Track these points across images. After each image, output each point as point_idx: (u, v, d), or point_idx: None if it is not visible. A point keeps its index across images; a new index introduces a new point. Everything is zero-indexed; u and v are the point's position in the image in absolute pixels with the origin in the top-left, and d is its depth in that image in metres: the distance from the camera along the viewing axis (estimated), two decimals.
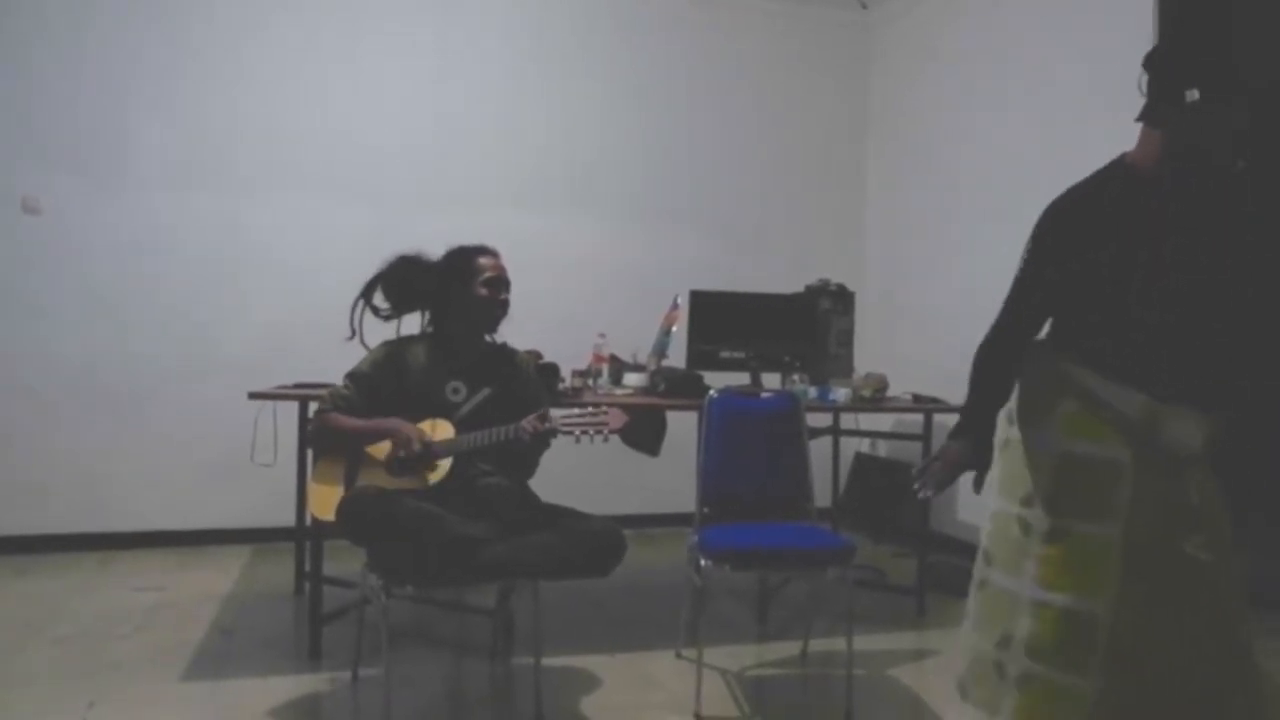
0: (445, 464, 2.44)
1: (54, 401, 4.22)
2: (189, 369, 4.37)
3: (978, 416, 1.84)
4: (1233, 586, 1.64)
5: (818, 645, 3.12)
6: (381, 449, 2.48)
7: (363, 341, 2.69)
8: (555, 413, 2.44)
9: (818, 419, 3.87)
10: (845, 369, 3.87)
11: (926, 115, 5.05)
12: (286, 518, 3.63)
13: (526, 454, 2.58)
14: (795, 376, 3.71)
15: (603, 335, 3.67)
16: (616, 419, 2.37)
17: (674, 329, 3.58)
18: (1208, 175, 1.66)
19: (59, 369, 4.23)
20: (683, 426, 3.49)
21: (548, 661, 2.71)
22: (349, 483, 2.47)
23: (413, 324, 2.78)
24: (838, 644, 3.06)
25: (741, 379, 3.60)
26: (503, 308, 2.66)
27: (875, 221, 5.52)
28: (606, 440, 2.40)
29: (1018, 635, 1.67)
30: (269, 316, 4.46)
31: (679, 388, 3.37)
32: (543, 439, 2.43)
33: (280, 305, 4.48)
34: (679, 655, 3.00)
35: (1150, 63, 1.66)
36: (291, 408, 3.28)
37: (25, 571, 3.84)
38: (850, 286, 4.06)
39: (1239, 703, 1.61)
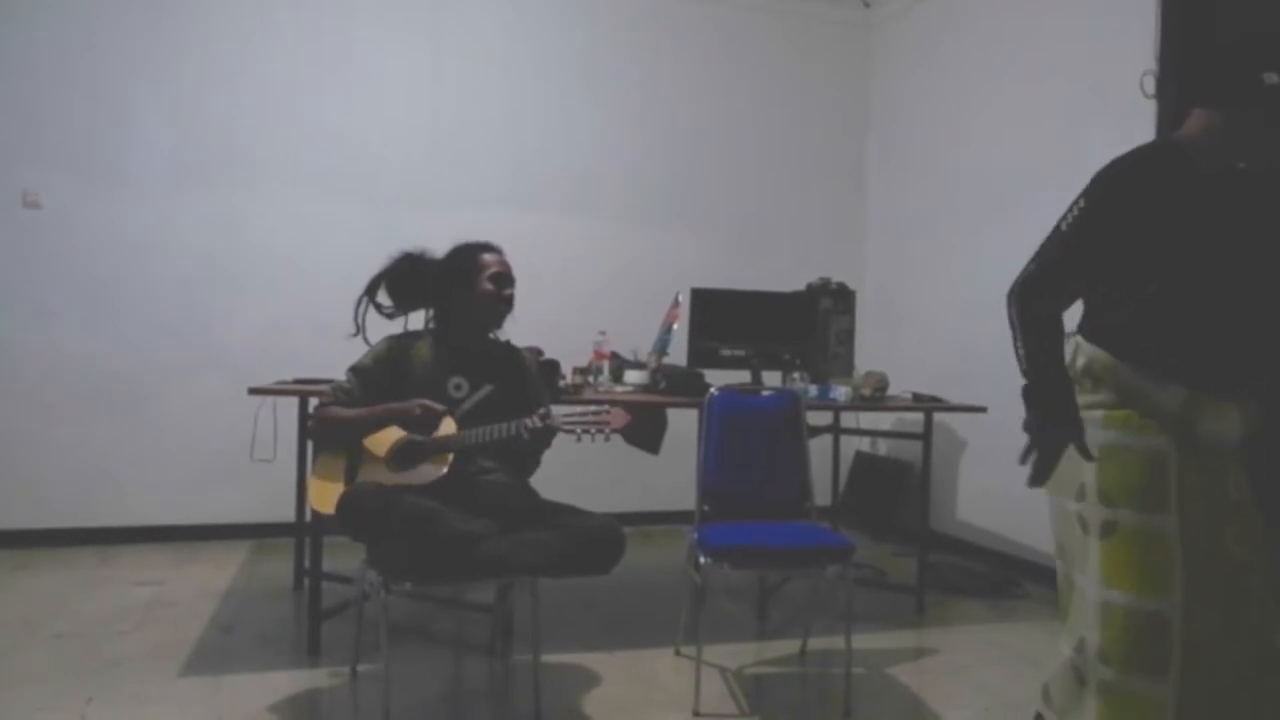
0: (446, 460, 2.44)
1: (53, 398, 4.22)
2: (188, 365, 4.37)
3: (1044, 375, 1.64)
4: (1266, 583, 1.60)
5: (817, 644, 3.11)
6: (382, 444, 2.48)
7: (365, 338, 2.69)
8: (557, 410, 2.44)
9: (818, 417, 3.87)
10: (846, 367, 3.87)
11: (927, 114, 5.04)
12: (286, 514, 3.63)
13: (528, 451, 2.58)
14: (796, 375, 3.71)
15: (603, 333, 3.67)
16: (618, 418, 2.36)
17: (675, 327, 3.58)
18: (1272, 167, 1.60)
19: (58, 365, 4.23)
20: (683, 424, 3.49)
21: (547, 659, 2.71)
22: (349, 478, 2.46)
23: (416, 322, 2.78)
24: (837, 642, 3.06)
25: (742, 377, 3.60)
26: (507, 304, 2.66)
27: (875, 220, 5.52)
28: (608, 439, 2.39)
29: (1090, 640, 1.62)
30: (268, 313, 4.46)
31: (679, 386, 3.37)
32: (544, 437, 2.43)
33: (279, 302, 4.48)
34: (678, 653, 3.00)
35: (1225, 46, 1.61)
36: (291, 404, 3.29)
37: (24, 567, 3.84)
38: (850, 285, 4.06)
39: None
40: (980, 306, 3.51)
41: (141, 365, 4.33)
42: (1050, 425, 1.61)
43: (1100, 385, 1.65)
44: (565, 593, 3.45)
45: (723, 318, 3.69)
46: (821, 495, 3.41)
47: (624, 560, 2.33)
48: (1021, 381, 1.66)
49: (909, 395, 3.81)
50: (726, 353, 3.63)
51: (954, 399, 3.70)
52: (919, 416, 3.68)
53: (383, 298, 2.71)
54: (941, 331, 4.67)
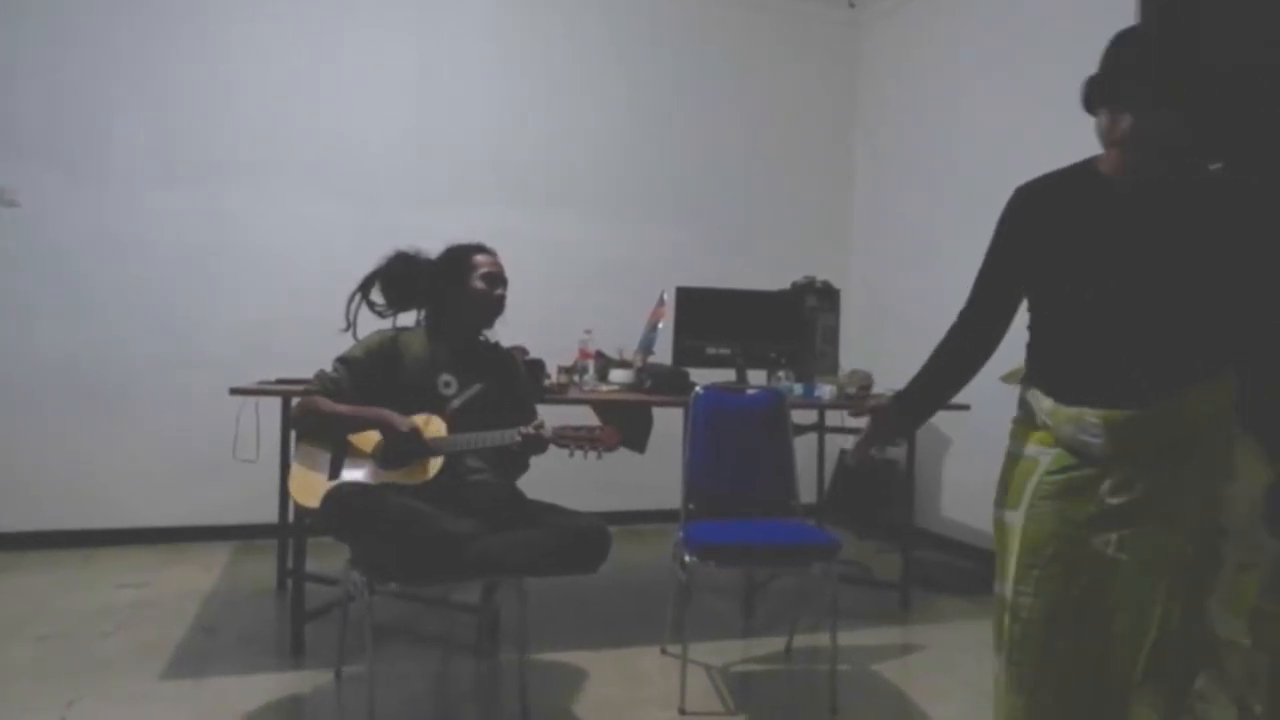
0: (437, 462, 2.44)
1: (35, 397, 4.18)
2: (171, 365, 4.33)
3: (916, 388, 1.91)
4: (1162, 594, 1.57)
5: (802, 640, 3.13)
6: (369, 439, 2.47)
7: (355, 335, 2.68)
8: (543, 411, 2.44)
9: (803, 416, 3.89)
10: (831, 366, 3.89)
11: (914, 114, 5.06)
12: (269, 514, 3.61)
13: (518, 456, 2.58)
14: (781, 373, 3.72)
15: (589, 331, 3.67)
16: (611, 438, 2.38)
17: (660, 325, 3.58)
18: (1172, 175, 1.59)
19: (38, 365, 4.18)
20: (669, 423, 3.49)
21: (533, 658, 2.71)
22: (334, 472, 2.45)
23: (405, 320, 2.77)
24: (822, 639, 3.07)
25: (727, 375, 3.61)
26: (498, 304, 2.66)
27: (861, 219, 5.54)
28: (600, 458, 2.40)
29: None
30: (251, 313, 4.43)
31: (665, 384, 3.37)
32: (536, 446, 2.43)
33: (263, 301, 4.45)
34: (664, 651, 3.00)
35: (1126, 43, 1.65)
36: (274, 404, 3.27)
37: (6, 568, 3.80)
38: (836, 284, 4.08)
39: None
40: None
41: (123, 365, 4.29)
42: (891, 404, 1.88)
43: (1020, 403, 1.80)
44: (551, 592, 3.44)
45: (708, 316, 3.69)
46: (807, 493, 3.42)
47: (610, 559, 2.33)
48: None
49: (893, 394, 3.82)
50: (712, 351, 3.63)
51: None
52: None
53: (376, 296, 2.71)
54: (926, 330, 4.62)
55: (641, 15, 5.13)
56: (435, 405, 2.51)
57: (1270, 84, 3.52)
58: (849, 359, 4.08)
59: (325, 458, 2.48)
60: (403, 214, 4.54)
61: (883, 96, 5.37)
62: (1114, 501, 1.60)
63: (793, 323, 3.81)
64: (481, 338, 2.72)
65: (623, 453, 3.43)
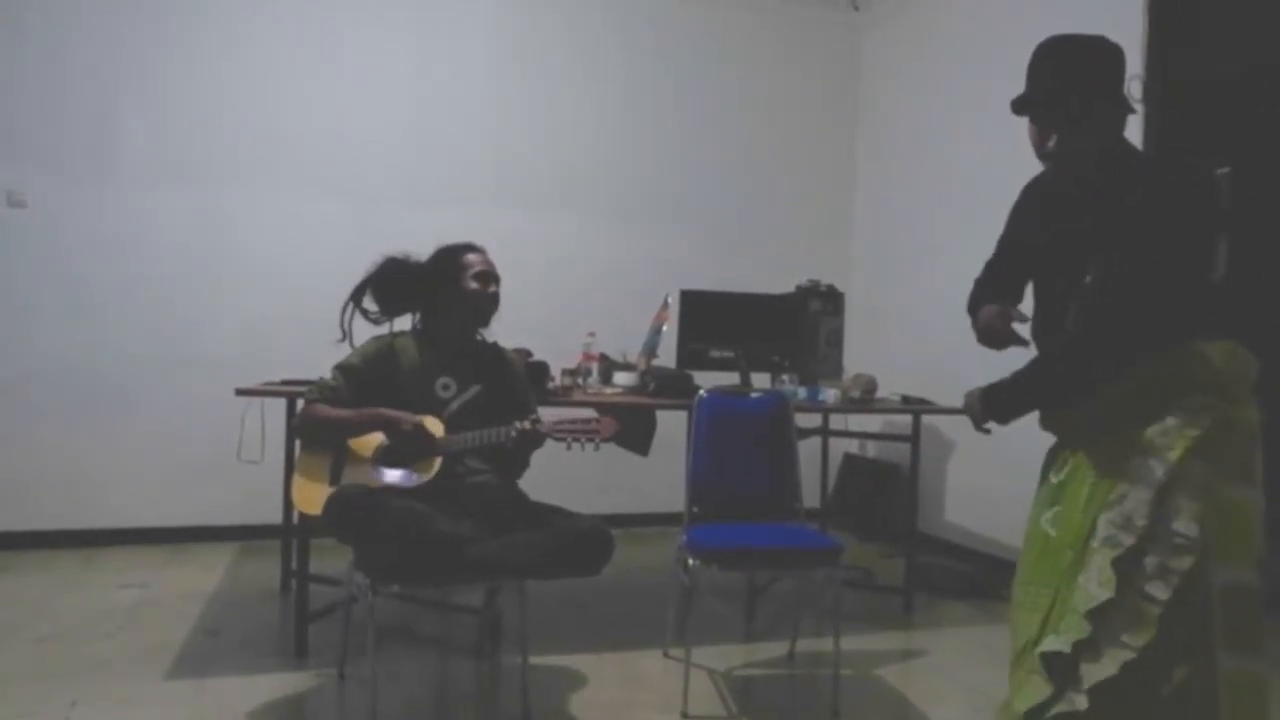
0: (435, 462, 2.43)
1: (36, 397, 4.18)
2: (174, 365, 4.34)
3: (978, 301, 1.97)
4: (1071, 566, 1.62)
5: (805, 645, 3.12)
6: (368, 445, 2.47)
7: (351, 344, 2.68)
8: (545, 413, 2.43)
9: (807, 419, 3.88)
10: (834, 370, 3.88)
11: (916, 117, 5.06)
12: (273, 515, 3.61)
13: (517, 454, 2.58)
14: (785, 377, 3.71)
15: (592, 334, 3.67)
16: (608, 427, 2.37)
17: (664, 328, 3.58)
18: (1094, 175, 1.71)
19: (41, 365, 4.19)
20: (672, 426, 3.48)
21: (535, 661, 2.70)
22: (334, 478, 2.45)
23: (401, 325, 2.77)
24: (825, 643, 3.06)
25: (731, 379, 3.60)
26: (492, 301, 2.66)
27: (864, 222, 5.53)
28: (598, 448, 2.39)
29: None
30: (254, 313, 4.43)
31: (668, 387, 3.36)
32: (532, 441, 2.41)
33: (266, 301, 4.45)
34: (666, 654, 3.00)
35: (1047, 55, 1.80)
36: (278, 405, 3.27)
37: (6, 569, 3.80)
38: (839, 287, 4.07)
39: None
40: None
41: (126, 365, 4.29)
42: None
43: None
44: (554, 594, 3.44)
45: (712, 319, 3.69)
46: (810, 497, 3.41)
47: (612, 562, 2.33)
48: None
49: (897, 398, 3.83)
50: (715, 354, 3.63)
51: (942, 401, 3.71)
52: (907, 419, 3.70)
53: (369, 303, 2.71)
54: (930, 334, 4.68)
55: (644, 16, 5.13)
56: (434, 408, 2.51)
57: (1274, 85, 3.51)
58: (852, 362, 4.07)
59: (326, 465, 2.48)
60: (404, 215, 4.54)
61: (885, 98, 5.37)
62: (1053, 480, 1.73)
63: (796, 326, 3.81)
64: (479, 338, 2.72)
65: (626, 455, 3.45)
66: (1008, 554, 4.12)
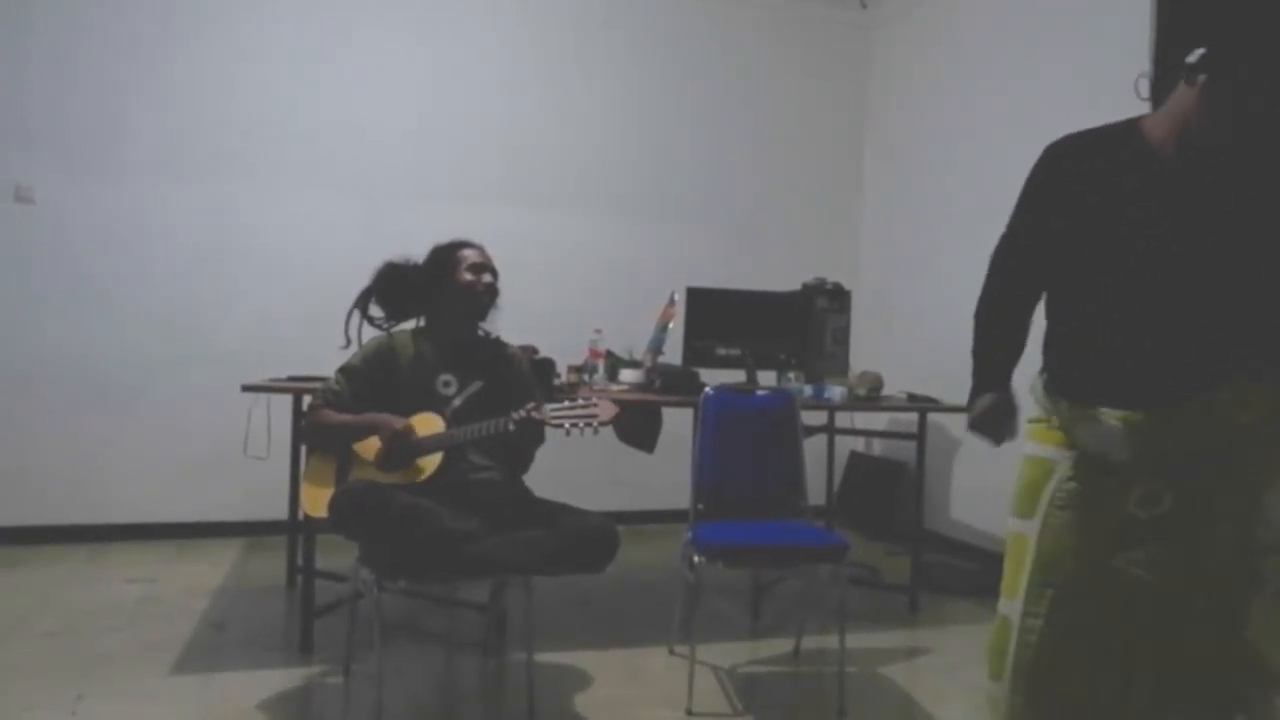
0: (436, 459, 2.43)
1: (44, 392, 4.20)
2: (181, 360, 4.35)
3: (989, 369, 1.67)
4: (1198, 619, 1.41)
5: (810, 642, 3.11)
6: (371, 447, 2.48)
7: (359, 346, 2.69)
8: (546, 406, 2.42)
9: (813, 417, 3.87)
10: (841, 367, 3.87)
11: (923, 115, 5.04)
12: (279, 511, 3.62)
13: (519, 448, 2.57)
14: (791, 374, 3.71)
15: (599, 331, 3.66)
16: (606, 410, 2.35)
17: (670, 325, 3.57)
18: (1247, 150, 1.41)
19: (49, 359, 4.20)
20: (678, 423, 3.48)
21: (540, 657, 2.70)
22: (339, 482, 2.47)
23: (403, 326, 2.77)
24: (830, 641, 3.06)
25: (737, 376, 3.60)
26: (488, 292, 2.65)
27: (871, 220, 5.52)
28: (597, 433, 2.38)
29: None
30: (262, 308, 4.44)
31: (675, 384, 3.36)
32: (532, 430, 2.40)
33: (273, 297, 4.46)
34: (672, 652, 3.00)
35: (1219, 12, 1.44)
36: (285, 400, 3.27)
37: (14, 563, 3.81)
38: (846, 285, 4.06)
39: None
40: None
41: (134, 360, 4.30)
42: (983, 398, 1.65)
43: (1036, 400, 1.65)
44: (559, 591, 3.44)
45: (718, 317, 3.68)
46: (816, 495, 3.41)
47: (618, 559, 2.32)
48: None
49: (903, 395, 3.82)
50: (722, 352, 3.62)
51: (948, 399, 3.70)
52: (913, 417, 3.69)
53: (374, 310, 2.72)
54: (936, 332, 4.67)
55: (652, 15, 5.12)
56: (435, 406, 2.51)
57: None
58: (859, 360, 4.06)
59: (332, 470, 2.51)
60: (413, 212, 4.55)
61: (893, 97, 5.35)
62: (1140, 515, 1.43)
63: (803, 323, 3.80)
64: (481, 333, 2.72)
65: (631, 453, 3.45)
66: None
